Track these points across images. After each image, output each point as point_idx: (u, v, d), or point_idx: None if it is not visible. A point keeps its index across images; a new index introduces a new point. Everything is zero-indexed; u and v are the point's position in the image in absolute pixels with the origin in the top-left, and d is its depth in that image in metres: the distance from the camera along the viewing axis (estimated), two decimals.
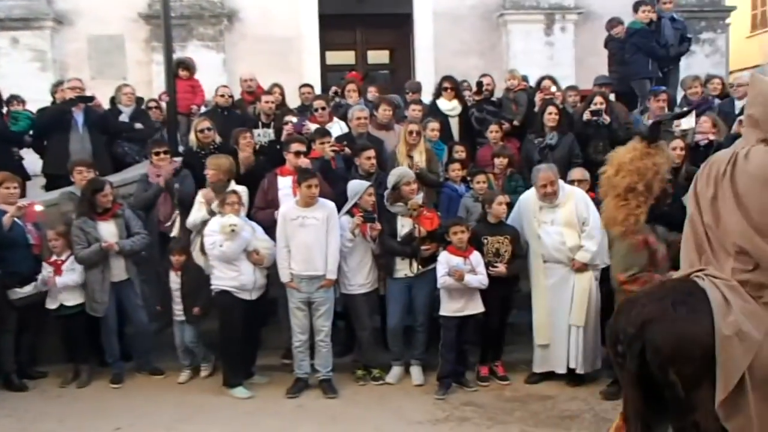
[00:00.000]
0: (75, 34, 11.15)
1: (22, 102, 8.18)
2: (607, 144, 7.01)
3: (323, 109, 7.24)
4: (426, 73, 10.84)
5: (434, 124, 7.05)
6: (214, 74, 10.22)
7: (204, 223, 5.75)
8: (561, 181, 5.63)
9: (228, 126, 7.07)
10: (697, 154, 6.09)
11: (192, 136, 6.77)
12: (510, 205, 5.89)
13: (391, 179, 5.80)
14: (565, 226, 5.51)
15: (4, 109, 7.52)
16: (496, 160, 6.80)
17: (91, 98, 7.46)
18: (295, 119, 7.16)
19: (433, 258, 5.62)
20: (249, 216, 5.89)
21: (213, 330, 5.81)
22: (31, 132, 7.59)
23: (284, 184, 5.97)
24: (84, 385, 5.84)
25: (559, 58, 11.33)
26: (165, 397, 5.61)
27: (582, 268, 5.48)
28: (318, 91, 9.09)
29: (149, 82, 10.76)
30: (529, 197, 5.73)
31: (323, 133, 6.53)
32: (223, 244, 5.43)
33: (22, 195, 6.15)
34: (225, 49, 11.25)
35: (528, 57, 11.11)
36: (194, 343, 5.90)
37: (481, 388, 5.61)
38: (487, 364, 5.80)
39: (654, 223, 4.26)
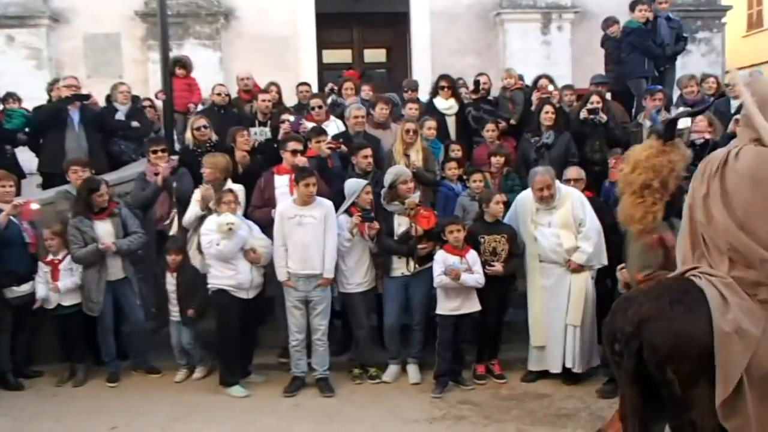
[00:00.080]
0: (71, 32, 11.10)
1: (19, 100, 8.15)
2: (603, 143, 7.05)
3: (320, 107, 7.23)
4: (423, 72, 10.82)
5: (431, 123, 7.05)
6: (211, 73, 10.19)
7: (199, 220, 5.74)
8: (558, 182, 5.63)
9: (224, 124, 7.06)
10: (694, 153, 6.10)
11: (188, 134, 6.76)
12: (507, 204, 5.89)
13: (387, 178, 5.80)
14: (562, 228, 5.51)
15: (0, 107, 7.50)
16: (493, 159, 6.80)
17: (87, 96, 7.45)
18: (291, 118, 7.15)
19: (429, 257, 5.63)
20: (246, 215, 5.88)
21: (210, 330, 5.80)
22: (26, 130, 7.58)
23: (281, 182, 5.97)
24: (80, 384, 5.84)
25: (555, 57, 11.33)
26: (161, 396, 5.60)
27: (578, 269, 5.49)
28: (315, 89, 9.08)
29: (145, 80, 10.73)
30: (525, 198, 5.73)
31: (319, 131, 6.52)
32: (220, 243, 5.42)
33: (17, 193, 6.13)
34: (221, 48, 11.21)
35: (525, 56, 11.10)
36: (191, 345, 5.90)
37: (477, 386, 5.62)
38: (484, 363, 5.81)
39: (670, 219, 4.27)
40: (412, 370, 5.81)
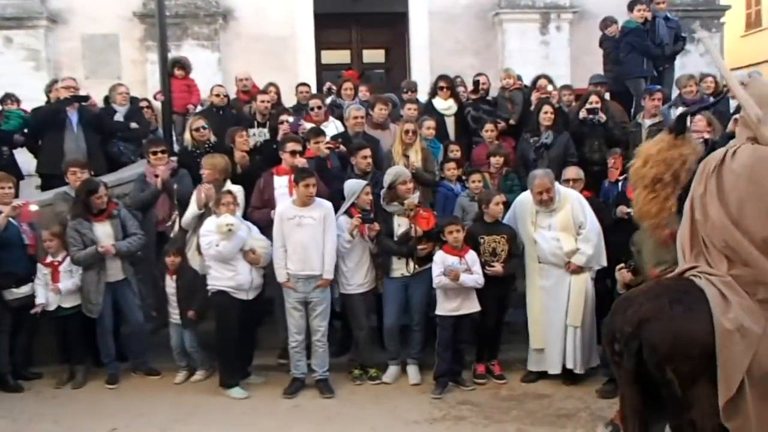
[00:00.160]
0: (69, 33, 11.09)
1: (17, 101, 8.13)
2: (602, 143, 7.05)
3: (319, 108, 7.22)
4: (421, 73, 10.82)
5: (430, 123, 7.05)
6: (209, 73, 10.19)
7: (197, 220, 5.73)
8: (557, 184, 5.61)
9: (223, 125, 7.06)
10: None
11: (187, 135, 6.76)
12: (506, 204, 5.88)
13: (387, 178, 5.80)
14: (562, 230, 5.50)
15: None
16: (492, 159, 6.80)
17: (86, 98, 7.44)
18: (290, 119, 7.15)
19: (429, 257, 5.62)
20: (245, 216, 5.88)
21: (209, 331, 5.79)
22: (25, 131, 7.56)
23: (280, 183, 5.97)
24: (79, 386, 5.83)
25: (554, 57, 11.32)
26: (161, 397, 5.60)
27: (577, 270, 5.49)
28: (314, 90, 9.07)
29: (144, 81, 10.73)
30: (524, 200, 5.72)
31: (317, 132, 6.51)
32: (220, 244, 5.41)
33: (16, 195, 6.12)
34: (220, 48, 11.20)
35: (523, 56, 11.09)
36: (193, 348, 5.89)
37: (477, 387, 5.62)
38: (484, 363, 5.81)
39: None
40: (412, 370, 5.80)
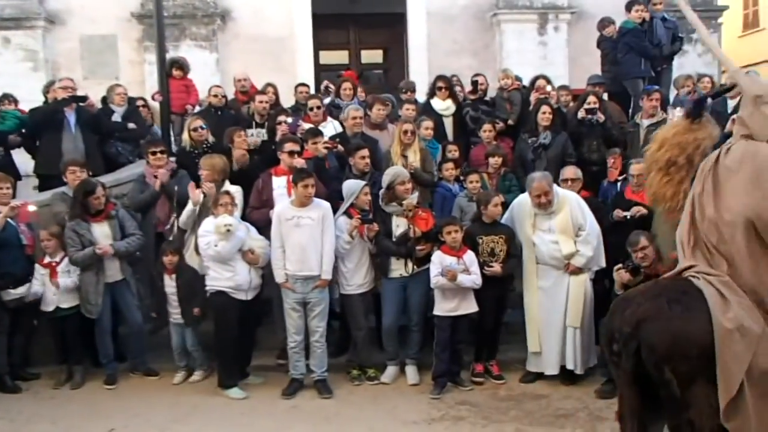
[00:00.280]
0: (67, 34, 11.07)
1: (15, 101, 8.12)
2: (600, 143, 7.05)
3: (318, 108, 7.22)
4: (419, 73, 10.81)
5: (428, 123, 7.05)
6: (207, 74, 10.19)
7: (195, 220, 5.73)
8: (555, 187, 5.61)
9: (221, 126, 7.05)
10: None
11: (185, 135, 6.75)
12: (505, 204, 5.89)
13: (385, 179, 5.80)
14: (561, 233, 5.50)
15: None
16: (491, 160, 6.80)
17: (85, 98, 7.42)
18: (288, 119, 7.14)
19: (428, 258, 5.62)
20: (243, 216, 5.88)
21: (208, 332, 5.79)
22: (22, 131, 7.53)
23: (279, 184, 5.97)
24: (77, 387, 5.82)
25: (552, 58, 11.33)
26: (159, 398, 5.59)
27: (576, 271, 5.49)
28: (312, 91, 9.07)
29: (142, 81, 10.71)
30: (522, 202, 5.71)
31: (315, 133, 6.51)
32: (218, 244, 5.41)
33: (13, 196, 6.11)
34: (218, 49, 11.19)
35: (521, 56, 11.10)
36: (194, 348, 5.88)
37: (476, 387, 5.62)
38: (482, 362, 5.81)
39: None
40: (411, 371, 5.80)
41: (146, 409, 5.35)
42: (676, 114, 6.50)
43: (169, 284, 5.84)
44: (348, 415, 5.19)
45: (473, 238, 5.65)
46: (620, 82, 8.59)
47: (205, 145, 6.61)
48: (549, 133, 6.95)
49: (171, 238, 6.05)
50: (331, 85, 8.50)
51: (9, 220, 5.76)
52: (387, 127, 7.16)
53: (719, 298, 2.97)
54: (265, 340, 6.14)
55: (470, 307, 5.54)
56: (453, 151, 6.99)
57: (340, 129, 7.08)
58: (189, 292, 5.76)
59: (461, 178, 6.67)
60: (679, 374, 2.96)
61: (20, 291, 5.75)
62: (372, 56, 12.88)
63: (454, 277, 5.35)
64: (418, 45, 11.62)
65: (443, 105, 7.70)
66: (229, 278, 5.48)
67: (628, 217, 5.65)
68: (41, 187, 7.25)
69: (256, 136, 7.20)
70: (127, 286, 5.92)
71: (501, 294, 5.76)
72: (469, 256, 5.52)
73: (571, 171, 6.08)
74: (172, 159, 6.55)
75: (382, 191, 5.82)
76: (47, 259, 5.84)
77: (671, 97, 8.32)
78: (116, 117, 7.72)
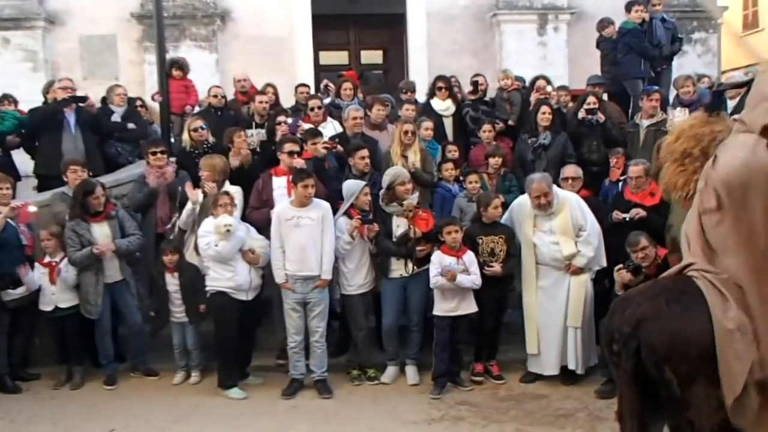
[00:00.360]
0: (66, 34, 11.08)
1: (14, 102, 8.12)
2: (600, 143, 7.05)
3: (319, 108, 7.22)
4: (419, 73, 10.81)
5: (428, 123, 7.05)
6: (207, 74, 10.20)
7: (194, 219, 5.72)
8: (555, 187, 5.61)
9: (221, 126, 7.05)
10: None
11: (185, 136, 6.75)
12: (505, 205, 5.89)
13: (386, 179, 5.80)
14: (562, 234, 5.50)
15: None
16: (491, 160, 6.80)
17: (84, 98, 7.42)
18: (288, 119, 7.14)
19: (428, 258, 5.62)
20: (243, 216, 5.88)
21: (208, 332, 5.79)
22: (18, 132, 7.52)
23: (279, 184, 5.97)
24: (77, 387, 5.82)
25: (551, 58, 11.34)
26: (159, 398, 5.59)
27: (577, 271, 5.50)
28: (312, 91, 9.07)
29: (141, 82, 10.72)
30: (522, 204, 5.71)
31: (314, 133, 6.52)
32: (219, 244, 5.41)
33: (13, 196, 6.11)
34: (218, 49, 11.20)
35: (521, 57, 11.11)
36: (194, 347, 5.88)
37: (476, 387, 5.62)
38: (482, 363, 5.81)
39: None
40: (411, 371, 5.80)
41: (146, 409, 5.35)
42: (677, 114, 6.51)
43: (172, 282, 5.83)
44: (348, 415, 5.19)
45: (473, 238, 5.65)
46: (620, 83, 8.59)
47: (205, 146, 6.61)
48: (549, 134, 6.95)
49: (171, 237, 6.05)
50: (331, 84, 8.49)
51: (9, 220, 5.75)
52: (387, 128, 7.17)
53: (719, 298, 2.97)
54: (265, 340, 6.14)
55: (470, 307, 5.54)
56: (453, 152, 7.00)
57: (340, 129, 7.08)
58: (192, 289, 5.75)
59: (461, 178, 6.67)
60: (679, 374, 2.96)
61: (20, 291, 5.75)
62: (372, 57, 12.89)
63: (454, 277, 5.35)
64: (418, 45, 11.63)
65: (443, 105, 7.70)
66: (230, 278, 5.48)
67: (627, 218, 5.66)
68: (41, 188, 7.25)
69: (256, 136, 7.20)
70: (126, 286, 5.91)
71: (501, 294, 5.76)
72: (469, 256, 5.52)
73: (571, 170, 6.08)
74: (172, 159, 6.54)
75: (382, 191, 5.82)
76: (47, 259, 5.83)
77: (671, 98, 8.32)
78: (116, 117, 7.72)
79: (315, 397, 5.52)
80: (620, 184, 6.36)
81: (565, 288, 5.52)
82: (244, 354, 5.84)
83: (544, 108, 7.03)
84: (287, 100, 8.48)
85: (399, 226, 5.74)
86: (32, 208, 5.91)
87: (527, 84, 8.40)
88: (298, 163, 5.96)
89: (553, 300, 5.54)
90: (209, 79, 9.61)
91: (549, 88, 8.04)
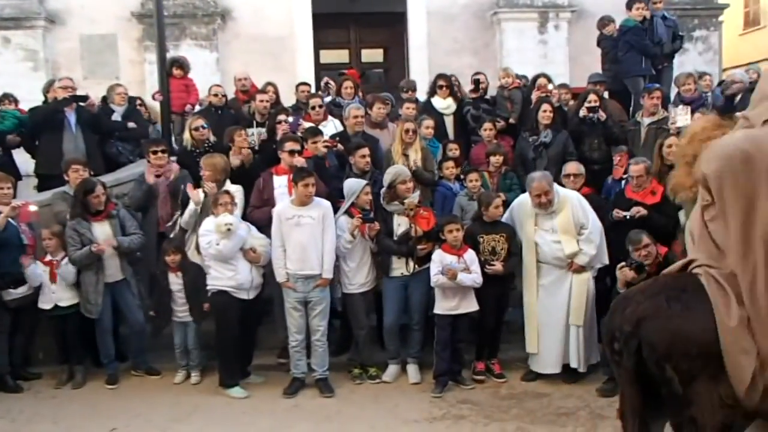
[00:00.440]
0: (67, 34, 11.08)
1: (15, 101, 8.12)
2: (602, 141, 7.05)
3: (319, 107, 7.22)
4: (420, 72, 10.81)
5: (429, 122, 7.05)
6: (207, 73, 10.21)
7: (196, 220, 5.72)
8: (556, 186, 5.60)
9: (222, 125, 7.05)
10: None
11: (186, 135, 6.75)
12: (505, 203, 5.88)
13: (387, 178, 5.79)
14: (563, 233, 5.49)
15: None
16: (492, 159, 6.80)
17: (85, 97, 7.42)
18: (289, 118, 7.14)
19: (429, 257, 5.62)
20: (244, 215, 5.87)
21: (209, 331, 5.79)
22: (19, 131, 7.52)
23: (280, 183, 5.97)
24: (79, 386, 5.83)
25: (552, 57, 11.33)
26: (161, 397, 5.59)
27: (579, 269, 5.49)
28: (313, 90, 9.07)
29: (142, 81, 10.73)
30: (523, 202, 5.70)
31: (315, 132, 6.51)
32: (220, 243, 5.41)
33: (14, 196, 6.11)
34: (218, 48, 11.20)
35: (521, 55, 11.11)
36: (194, 347, 5.87)
37: (477, 385, 5.62)
38: (483, 361, 5.81)
39: None
40: (412, 369, 5.80)
41: (147, 408, 5.35)
42: (678, 112, 6.50)
43: (175, 282, 5.82)
44: (349, 414, 5.19)
45: (474, 236, 5.65)
46: (621, 81, 8.58)
47: (206, 145, 6.61)
48: (550, 132, 6.94)
49: (171, 236, 6.05)
50: (332, 82, 8.49)
51: (10, 220, 5.75)
52: (387, 126, 7.16)
53: (722, 295, 2.96)
54: (266, 339, 6.14)
55: (470, 305, 5.53)
56: (454, 150, 6.99)
57: (341, 128, 7.08)
58: (196, 288, 5.74)
59: (462, 176, 6.66)
60: (680, 372, 2.96)
61: (21, 291, 5.75)
62: (372, 55, 12.87)
63: (454, 275, 5.35)
64: (419, 44, 11.63)
65: (444, 104, 7.70)
66: (231, 277, 5.48)
67: (628, 217, 5.65)
68: (41, 187, 7.25)
69: (257, 135, 7.20)
70: (127, 285, 5.91)
71: (502, 292, 5.76)
72: (470, 254, 5.52)
73: (573, 166, 6.07)
74: (173, 158, 6.54)
75: (383, 190, 5.81)
76: (48, 258, 5.84)
77: (672, 96, 8.31)
78: (116, 117, 7.72)
79: (316, 395, 5.52)
80: (623, 182, 6.35)
81: (566, 286, 5.51)
82: (246, 353, 5.84)
83: (545, 106, 7.02)
84: (288, 99, 8.48)
85: (400, 224, 5.73)
86: (33, 208, 5.91)
87: (528, 82, 8.40)
88: (299, 161, 5.95)
89: (554, 298, 5.54)
90: (210, 78, 9.62)
91: (550, 86, 8.03)
